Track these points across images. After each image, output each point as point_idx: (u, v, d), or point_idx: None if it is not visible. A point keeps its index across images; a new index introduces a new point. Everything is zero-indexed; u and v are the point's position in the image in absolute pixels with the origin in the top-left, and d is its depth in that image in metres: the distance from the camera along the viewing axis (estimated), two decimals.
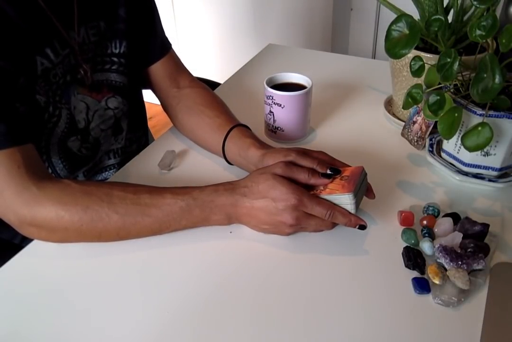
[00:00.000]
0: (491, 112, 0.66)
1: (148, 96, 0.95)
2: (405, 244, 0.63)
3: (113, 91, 0.82)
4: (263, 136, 0.88)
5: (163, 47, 0.89)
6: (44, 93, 0.70)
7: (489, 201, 0.72)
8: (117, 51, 0.80)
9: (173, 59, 0.90)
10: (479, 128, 0.63)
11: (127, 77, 0.83)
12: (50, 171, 0.77)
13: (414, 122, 0.80)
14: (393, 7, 0.81)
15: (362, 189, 0.64)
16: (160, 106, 0.91)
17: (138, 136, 0.93)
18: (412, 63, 0.72)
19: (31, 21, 0.65)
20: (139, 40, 0.83)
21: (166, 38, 0.90)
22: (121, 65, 0.81)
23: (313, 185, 0.64)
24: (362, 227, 0.62)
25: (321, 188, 0.63)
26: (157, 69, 0.87)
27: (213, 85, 1.02)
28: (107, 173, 0.88)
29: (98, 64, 0.78)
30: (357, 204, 0.62)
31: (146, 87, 0.92)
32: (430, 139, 0.80)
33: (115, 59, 0.80)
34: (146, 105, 0.97)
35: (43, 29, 0.67)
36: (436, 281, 0.57)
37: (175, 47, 0.92)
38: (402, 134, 0.84)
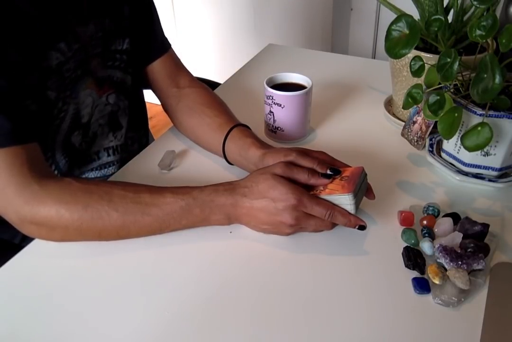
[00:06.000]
0: (491, 112, 0.66)
1: (148, 96, 0.95)
2: (405, 244, 0.63)
3: (114, 88, 0.83)
4: (263, 136, 0.88)
5: (163, 46, 0.89)
6: (56, 88, 0.70)
7: (489, 201, 0.72)
8: (120, 48, 0.81)
9: (173, 58, 0.90)
10: (479, 128, 0.63)
11: (127, 75, 0.84)
12: (53, 167, 0.78)
13: (414, 122, 0.80)
14: (393, 7, 0.81)
15: (362, 189, 0.64)
16: (160, 106, 0.91)
17: (139, 135, 0.94)
18: (412, 63, 0.72)
19: (47, 15, 0.66)
20: (140, 38, 0.84)
21: (166, 38, 0.91)
22: (122, 61, 0.82)
23: (313, 185, 0.64)
24: (362, 228, 0.62)
25: (321, 188, 0.63)
26: (157, 68, 0.88)
27: (213, 85, 1.02)
28: (106, 169, 0.88)
29: (105, 60, 0.79)
30: (357, 204, 0.62)
31: (146, 87, 0.92)
32: (430, 139, 0.80)
33: (118, 56, 0.81)
34: (146, 105, 0.97)
35: (58, 23, 0.68)
36: (436, 281, 0.57)
37: (175, 47, 0.92)
38: (402, 134, 0.84)
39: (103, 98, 0.81)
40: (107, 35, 0.78)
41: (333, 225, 0.64)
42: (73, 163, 0.81)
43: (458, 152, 0.74)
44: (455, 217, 0.65)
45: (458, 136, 0.72)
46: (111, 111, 0.84)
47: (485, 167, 0.73)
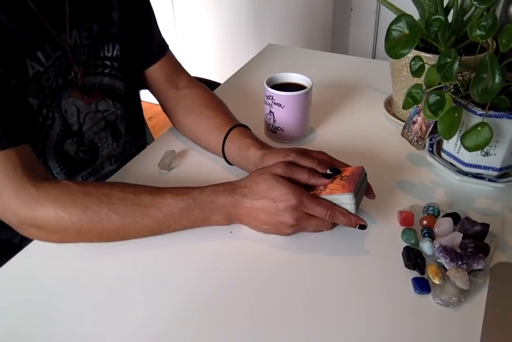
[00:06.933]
0: (491, 112, 0.66)
1: (148, 96, 0.95)
2: (405, 244, 0.63)
3: (103, 94, 0.81)
4: (263, 136, 0.88)
5: (160, 49, 0.88)
6: (36, 96, 0.69)
7: (489, 201, 0.72)
8: (109, 54, 0.79)
9: (171, 60, 0.89)
10: (479, 128, 0.63)
11: (120, 81, 0.82)
12: None
13: (414, 122, 0.80)
14: (393, 7, 0.81)
15: (362, 189, 0.64)
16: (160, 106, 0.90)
17: (137, 138, 0.93)
18: (412, 63, 0.72)
19: (22, 24, 0.64)
20: (134, 43, 0.82)
21: (163, 40, 0.90)
22: (113, 69, 0.80)
23: (313, 185, 0.64)
24: (363, 227, 0.62)
25: (321, 188, 0.63)
26: (155, 71, 0.87)
27: (213, 85, 1.02)
28: (107, 179, 0.88)
29: (91, 67, 0.77)
30: (357, 204, 0.62)
31: (143, 88, 0.91)
32: (430, 139, 0.80)
33: (108, 62, 0.79)
34: (146, 106, 0.97)
35: (34, 32, 0.67)
36: (436, 281, 0.57)
37: (175, 47, 0.92)
38: (402, 134, 0.84)
39: (92, 106, 0.80)
40: (96, 42, 0.76)
41: (334, 225, 0.64)
42: (70, 172, 0.80)
43: (458, 152, 0.74)
44: (455, 217, 0.65)
45: (458, 136, 0.72)
46: (108, 121, 0.83)
47: (485, 168, 0.73)
